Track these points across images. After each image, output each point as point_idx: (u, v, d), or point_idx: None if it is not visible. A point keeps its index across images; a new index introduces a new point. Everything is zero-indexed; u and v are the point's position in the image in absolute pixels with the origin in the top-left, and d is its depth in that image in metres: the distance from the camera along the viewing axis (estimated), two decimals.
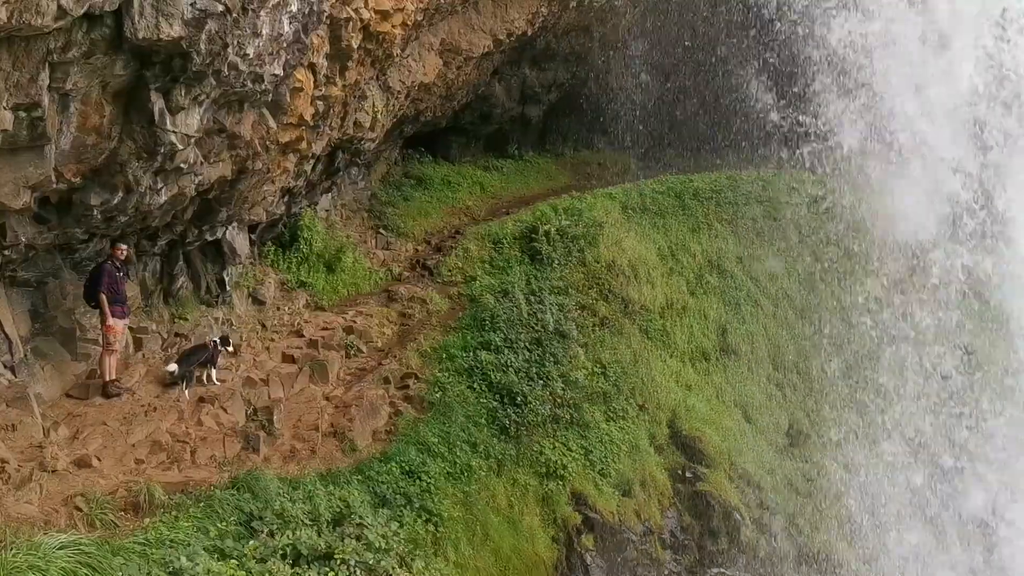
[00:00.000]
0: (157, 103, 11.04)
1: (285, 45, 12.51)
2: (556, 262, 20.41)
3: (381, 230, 21.13)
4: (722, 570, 18.17)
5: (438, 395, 16.61)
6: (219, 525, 11.26)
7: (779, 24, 22.43)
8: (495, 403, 17.02)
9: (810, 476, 21.29)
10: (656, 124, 25.41)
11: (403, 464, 14.65)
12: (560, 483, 16.81)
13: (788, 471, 21.22)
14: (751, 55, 23.97)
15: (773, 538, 19.46)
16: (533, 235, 20.80)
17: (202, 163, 12.71)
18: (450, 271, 19.93)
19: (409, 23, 16.26)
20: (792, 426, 22.48)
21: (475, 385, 17.18)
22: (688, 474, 19.10)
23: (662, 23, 24.33)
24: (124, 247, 13.62)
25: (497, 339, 18.09)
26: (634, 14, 23.62)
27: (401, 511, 13.63)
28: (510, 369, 17.63)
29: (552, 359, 18.35)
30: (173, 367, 14.28)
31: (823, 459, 21.81)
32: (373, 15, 15.10)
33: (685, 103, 25.60)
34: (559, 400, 17.81)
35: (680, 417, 19.89)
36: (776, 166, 25.24)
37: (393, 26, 15.74)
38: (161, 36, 10.19)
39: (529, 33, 21.42)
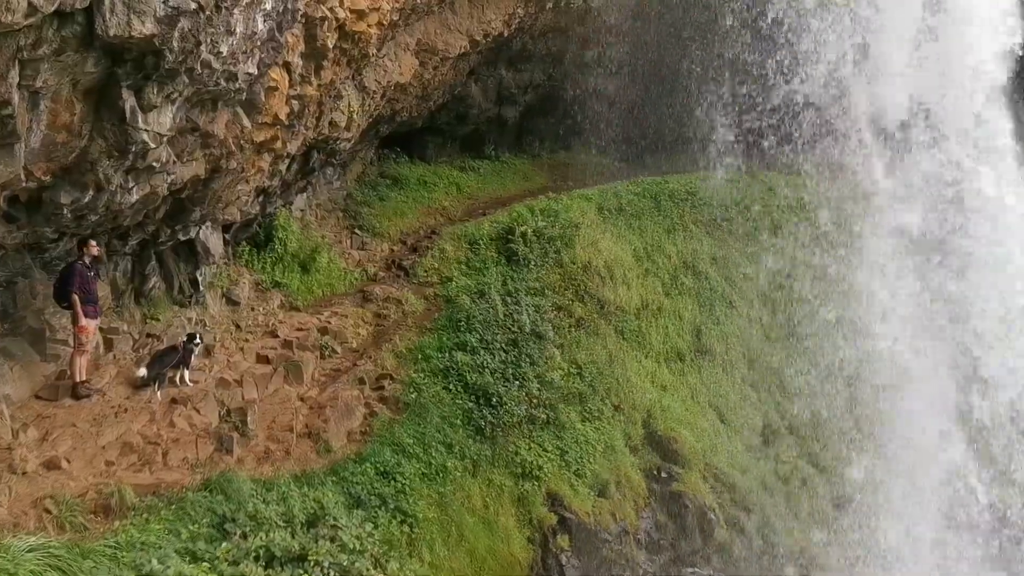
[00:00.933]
0: (129, 101, 10.93)
1: (259, 44, 12.43)
2: (532, 263, 20.42)
3: (356, 230, 21.05)
4: (696, 570, 18.25)
5: (413, 396, 16.57)
6: (191, 527, 11.17)
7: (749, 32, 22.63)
8: (471, 404, 17.01)
9: (783, 475, 21.43)
10: (633, 126, 25.50)
11: (378, 465, 14.60)
12: (535, 484, 16.82)
13: (762, 471, 21.35)
14: (724, 60, 24.11)
15: (747, 538, 19.57)
16: (509, 236, 20.79)
17: (175, 162, 12.60)
18: (426, 272, 19.89)
19: (385, 23, 16.21)
20: (766, 426, 22.63)
21: (451, 386, 17.15)
22: (663, 474, 19.17)
23: (639, 26, 24.41)
24: (95, 244, 13.47)
25: (473, 340, 18.07)
26: (611, 16, 23.68)
27: (376, 512, 13.59)
28: (486, 370, 17.62)
29: (528, 360, 18.36)
30: (143, 372, 14.13)
31: (797, 459, 21.98)
32: (349, 14, 15.04)
33: (661, 105, 25.69)
34: (535, 401, 17.83)
35: (655, 417, 19.97)
36: (749, 168, 25.41)
37: (369, 26, 15.68)
38: (133, 34, 10.08)
39: (506, 34, 21.42)
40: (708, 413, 21.68)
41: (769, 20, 22.12)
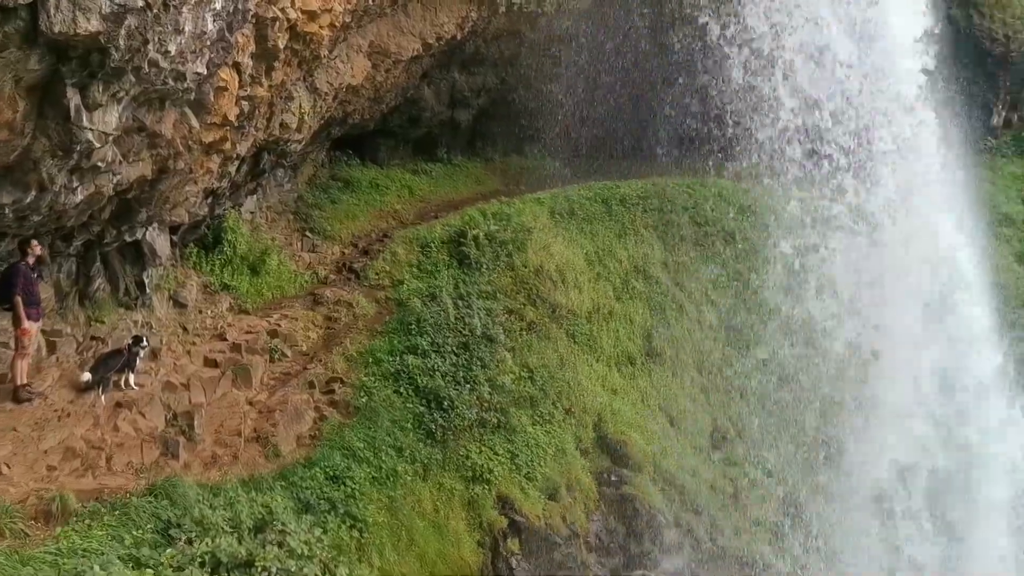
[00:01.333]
0: (73, 99, 10.72)
1: (209, 43, 12.28)
2: (484, 267, 20.44)
3: (307, 233, 20.88)
4: (646, 572, 18.41)
5: (364, 400, 16.48)
6: (135, 533, 10.98)
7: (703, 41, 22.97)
8: (422, 408, 16.98)
9: (732, 478, 21.71)
10: (585, 131, 25.65)
11: (328, 469, 14.50)
12: (486, 487, 16.84)
13: (711, 474, 21.61)
14: (679, 66, 24.40)
15: (696, 540, 19.79)
16: (461, 239, 20.79)
17: (121, 162, 12.38)
18: (377, 275, 19.80)
19: (337, 24, 16.12)
20: (715, 429, 22.90)
21: (401, 389, 17.11)
22: (613, 477, 19.31)
23: (592, 31, 24.58)
24: (37, 245, 13.18)
25: (424, 343, 18.04)
26: (563, 22, 23.81)
27: (325, 517, 13.49)
28: (437, 373, 17.61)
29: (479, 363, 18.38)
30: (87, 376, 13.85)
31: (744, 462, 22.28)
32: (300, 15, 14.93)
33: (614, 110, 25.89)
34: (486, 404, 17.85)
35: (606, 421, 20.10)
36: (703, 175, 25.74)
37: (320, 27, 15.58)
38: (78, 31, 9.90)
39: (459, 37, 21.43)
40: (658, 416, 21.89)
41: (716, 36, 22.51)
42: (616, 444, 19.86)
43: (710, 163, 23.80)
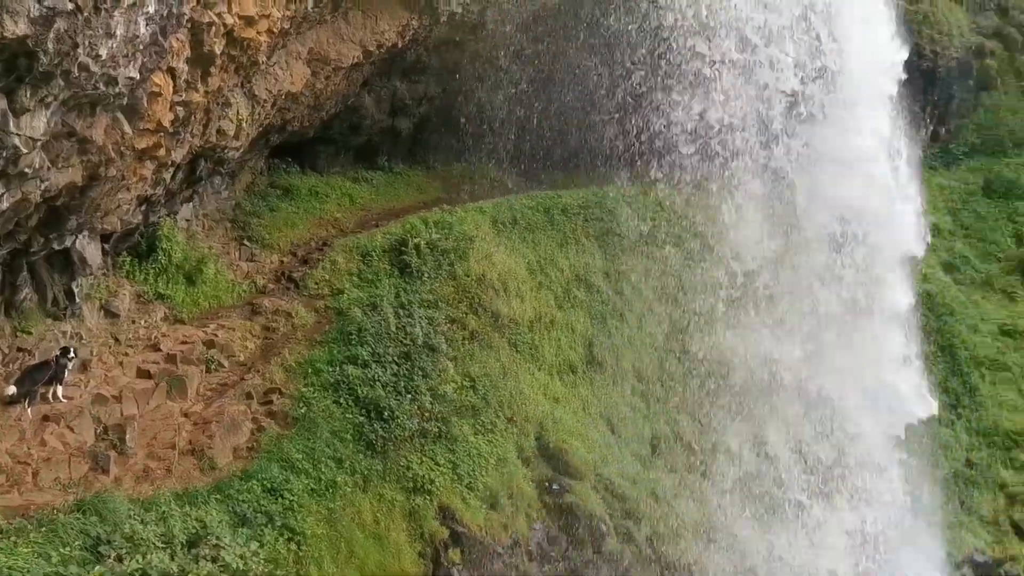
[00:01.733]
0: (0, 104, 10.42)
1: (141, 47, 12.04)
2: (426, 275, 20.34)
3: (245, 241, 20.56)
4: None
5: (303, 410, 16.27)
6: (62, 551, 10.67)
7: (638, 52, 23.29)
8: (362, 418, 16.83)
9: (672, 485, 21.91)
10: (528, 140, 25.74)
11: (265, 482, 14.26)
12: (427, 498, 16.74)
13: (651, 481, 21.78)
14: (617, 77, 24.64)
15: (637, 547, 19.92)
16: (403, 248, 20.67)
17: (49, 168, 12.05)
18: (317, 284, 19.57)
19: (275, 30, 15.94)
20: (655, 437, 23.10)
21: (341, 400, 16.92)
22: (555, 486, 19.34)
23: (533, 42, 24.69)
24: None
25: (365, 353, 17.88)
26: (506, 32, 23.89)
27: (262, 530, 13.26)
28: (377, 383, 17.46)
29: (421, 373, 18.27)
30: (12, 390, 13.41)
31: (683, 468, 22.51)
32: (237, 20, 14.73)
33: (556, 121, 26.03)
34: (427, 414, 17.75)
35: (547, 430, 20.13)
36: (643, 185, 25.99)
37: (258, 33, 15.39)
38: (5, 34, 9.63)
39: (400, 45, 21.36)
40: (599, 424, 22.01)
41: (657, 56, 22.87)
42: (558, 453, 19.89)
43: (649, 174, 24.07)
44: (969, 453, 25.74)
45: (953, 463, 26.06)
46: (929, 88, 31.55)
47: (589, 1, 24.37)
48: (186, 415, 15.17)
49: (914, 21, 31.20)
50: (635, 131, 23.93)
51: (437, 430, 17.71)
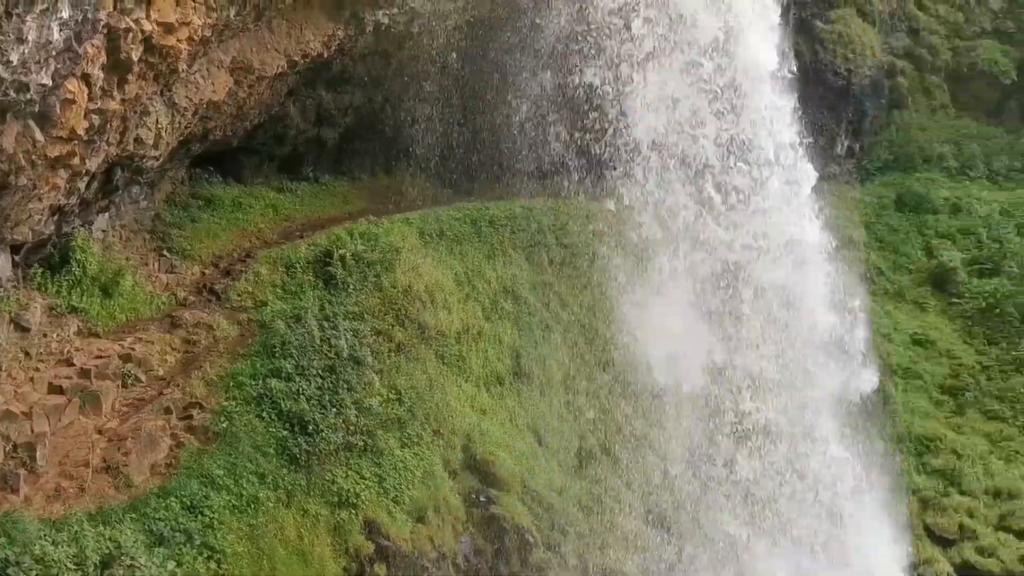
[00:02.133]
0: None
1: (54, 53, 11.71)
2: (351, 287, 20.16)
3: (165, 252, 20.09)
4: None
5: (224, 425, 15.95)
6: None
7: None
8: (285, 432, 16.58)
9: (597, 495, 22.09)
10: (455, 152, 25.77)
11: (184, 499, 13.93)
12: (352, 512, 16.56)
13: (578, 491, 21.93)
14: (544, 90, 24.87)
15: (563, 558, 20.01)
16: (328, 260, 20.45)
17: None
18: (239, 296, 19.22)
19: (196, 38, 15.66)
20: (582, 447, 23.28)
21: (264, 414, 16.65)
22: (482, 498, 19.33)
23: (462, 53, 24.75)
24: None
25: (288, 366, 17.63)
26: (434, 43, 23.90)
27: (180, 549, 12.94)
28: (302, 397, 17.22)
29: (346, 386, 18.09)
30: None
31: (610, 478, 22.72)
32: (156, 27, 14.42)
33: (482, 132, 26.11)
34: (352, 428, 17.58)
35: (474, 442, 20.12)
36: (570, 197, 26.24)
37: (178, 40, 15.10)
38: None
39: (325, 55, 21.18)
40: (526, 436, 22.08)
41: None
42: (484, 465, 19.89)
43: (577, 186, 24.34)
44: (884, 459, 26.54)
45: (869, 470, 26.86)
46: (844, 105, 32.61)
47: (522, 14, 24.55)
48: (100, 432, 14.73)
49: (829, 40, 32.25)
50: (564, 145, 24.18)
51: (363, 443, 17.54)
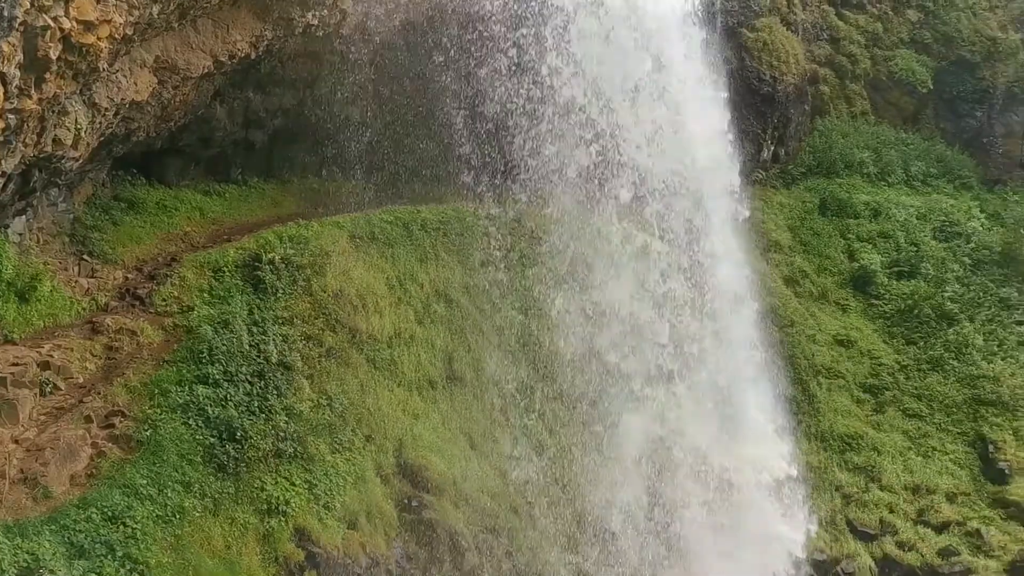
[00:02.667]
0: None
1: None
2: (281, 292, 19.88)
3: (85, 256, 19.54)
4: None
5: (148, 433, 15.60)
6: None
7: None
8: (212, 439, 16.28)
9: (529, 497, 22.17)
10: (385, 155, 25.61)
11: (105, 509, 13.58)
12: (282, 520, 16.36)
13: (511, 494, 21.97)
14: (476, 93, 24.88)
15: (496, 561, 20.03)
16: (256, 263, 20.14)
17: None
18: (165, 301, 18.80)
19: (117, 37, 15.28)
20: (514, 450, 23.33)
21: (191, 421, 16.32)
22: (414, 503, 19.25)
23: (391, 57, 24.63)
24: None
25: (216, 372, 17.31)
26: (363, 46, 23.72)
27: (101, 561, 12.61)
28: (229, 403, 16.94)
29: (275, 392, 17.85)
30: None
31: (541, 479, 22.82)
32: (75, 25, 14.05)
33: (414, 136, 26.02)
34: (282, 434, 17.36)
35: (407, 446, 20.03)
36: (503, 201, 26.28)
37: (99, 39, 14.72)
38: None
39: (253, 56, 20.86)
40: (459, 439, 22.04)
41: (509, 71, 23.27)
42: (417, 469, 19.81)
43: (506, 189, 24.41)
44: (808, 457, 27.20)
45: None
46: (769, 111, 33.33)
47: (452, 19, 24.54)
48: (17, 441, 14.27)
49: (754, 48, 32.95)
50: (493, 149, 24.23)
51: (292, 450, 17.33)
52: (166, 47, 18.43)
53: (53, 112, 15.19)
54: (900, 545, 25.62)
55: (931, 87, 35.96)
